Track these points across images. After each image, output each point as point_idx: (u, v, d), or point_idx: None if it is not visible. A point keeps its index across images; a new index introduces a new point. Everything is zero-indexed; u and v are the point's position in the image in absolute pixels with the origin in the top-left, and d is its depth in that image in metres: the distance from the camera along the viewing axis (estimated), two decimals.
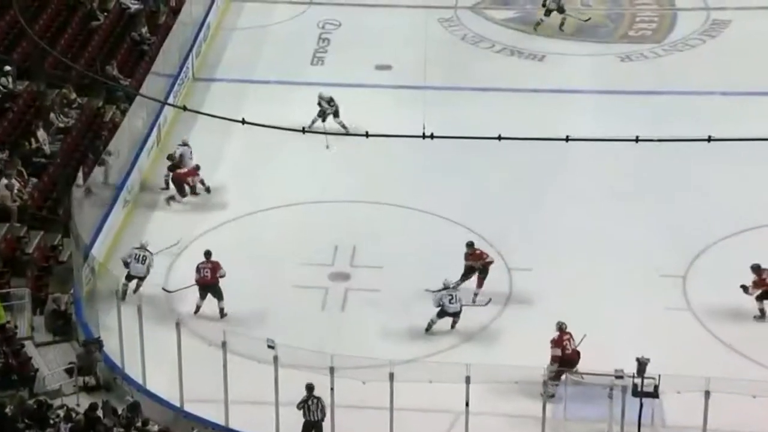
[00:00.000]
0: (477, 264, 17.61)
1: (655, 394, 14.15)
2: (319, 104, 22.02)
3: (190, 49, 24.11)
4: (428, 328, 16.82)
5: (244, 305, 17.49)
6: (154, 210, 20.13)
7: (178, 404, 15.35)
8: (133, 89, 21.25)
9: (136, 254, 17.57)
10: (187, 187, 20.28)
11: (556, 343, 15.38)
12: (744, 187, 20.00)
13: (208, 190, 20.47)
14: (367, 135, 15.39)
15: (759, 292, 16.78)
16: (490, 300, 17.30)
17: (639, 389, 13.96)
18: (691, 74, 24.02)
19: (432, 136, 14.86)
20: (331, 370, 14.45)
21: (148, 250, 17.70)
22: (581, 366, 15.32)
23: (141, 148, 20.69)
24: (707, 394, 13.60)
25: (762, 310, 16.86)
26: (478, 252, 17.71)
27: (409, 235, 19.33)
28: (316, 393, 14.72)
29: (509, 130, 15.12)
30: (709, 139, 14.18)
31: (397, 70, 24.38)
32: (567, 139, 14.83)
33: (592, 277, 17.91)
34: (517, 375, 14.02)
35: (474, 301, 17.30)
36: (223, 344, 14.65)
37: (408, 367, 14.77)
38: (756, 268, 16.83)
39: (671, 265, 18.07)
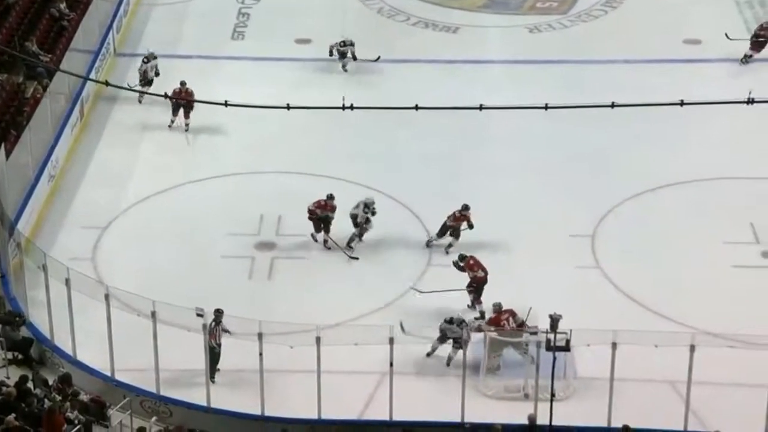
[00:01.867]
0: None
1: (566, 348, 14.27)
2: None
3: (111, 24, 23.51)
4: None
5: (173, 276, 17.25)
6: (79, 184, 19.68)
7: (108, 374, 15.10)
8: (54, 65, 20.65)
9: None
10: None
11: (493, 321, 15.36)
12: (644, 151, 20.29)
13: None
14: (288, 107, 15.20)
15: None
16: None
17: (552, 344, 14.14)
18: (595, 44, 24.27)
19: (352, 107, 14.76)
20: (260, 336, 14.36)
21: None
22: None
23: (64, 124, 20.18)
24: (614, 345, 13.82)
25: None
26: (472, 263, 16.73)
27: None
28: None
29: (427, 101, 15.09)
30: (612, 105, 14.33)
31: (317, 44, 24.15)
32: (480, 108, 14.85)
33: (506, 239, 18.04)
34: (438, 334, 14.06)
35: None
36: (153, 314, 14.43)
37: (334, 331, 14.75)
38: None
39: (580, 226, 18.31)
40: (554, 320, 14.68)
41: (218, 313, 15.03)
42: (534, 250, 17.83)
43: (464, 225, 17.81)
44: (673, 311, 16.31)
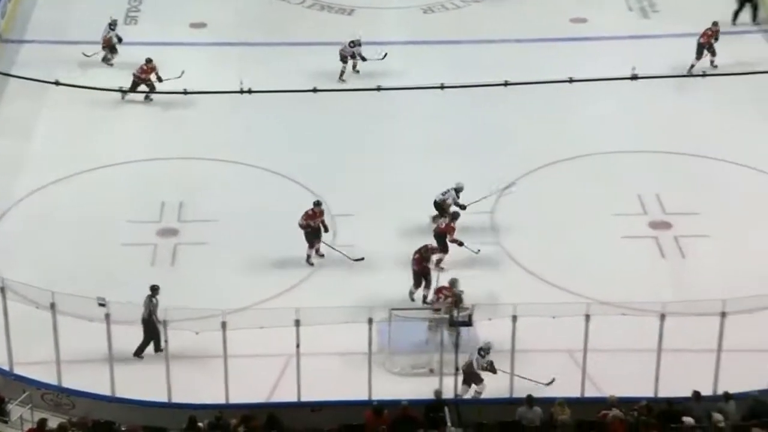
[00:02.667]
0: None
1: (469, 323, 14.48)
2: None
3: None
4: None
5: (73, 265, 16.72)
6: None
7: (7, 368, 14.52)
8: None
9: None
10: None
11: (440, 292, 15.36)
12: (537, 127, 20.48)
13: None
14: (185, 92, 14.86)
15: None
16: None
17: (455, 320, 14.22)
18: (488, 24, 24.39)
19: (250, 91, 14.48)
20: (164, 323, 14.03)
21: None
22: (403, 302, 15.46)
23: None
24: (514, 318, 13.97)
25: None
26: None
27: (235, 188, 18.92)
28: None
29: (324, 83, 14.95)
30: (506, 84, 14.44)
31: (212, 28, 23.64)
32: (378, 89, 14.79)
33: (409, 219, 18.05)
34: (344, 315, 13.98)
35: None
36: (52, 306, 13.93)
37: (240, 315, 14.51)
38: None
39: (480, 203, 18.40)
40: (457, 296, 14.82)
41: (155, 289, 14.89)
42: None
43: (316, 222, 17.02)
44: (569, 283, 16.55)
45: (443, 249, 16.77)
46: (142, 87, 20.60)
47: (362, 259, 16.82)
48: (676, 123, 20.59)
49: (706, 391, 13.89)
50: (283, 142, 20.23)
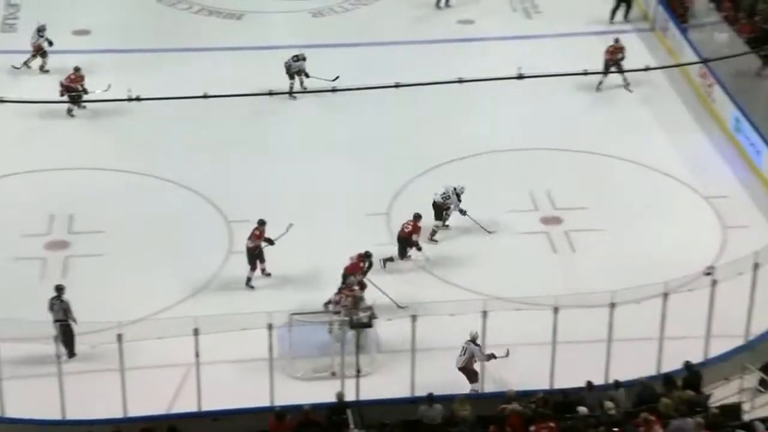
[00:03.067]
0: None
1: (369, 325, 14.59)
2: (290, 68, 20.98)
3: None
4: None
5: None
6: None
7: None
8: None
9: None
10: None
11: (342, 292, 15.43)
12: (431, 128, 20.80)
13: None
14: (75, 101, 14.56)
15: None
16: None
17: (355, 322, 14.35)
18: (378, 27, 24.63)
19: (138, 99, 14.31)
20: (55, 338, 13.74)
21: None
22: (303, 306, 15.53)
23: None
24: (414, 318, 14.15)
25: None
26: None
27: (126, 198, 18.69)
28: None
29: (215, 89, 14.85)
30: (396, 86, 14.59)
31: (97, 36, 23.21)
32: (270, 94, 14.81)
33: (305, 223, 18.08)
34: (243, 322, 13.95)
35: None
36: None
37: (136, 327, 14.32)
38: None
39: (375, 205, 18.60)
40: (356, 298, 14.95)
41: (60, 289, 14.74)
42: (333, 230, 17.96)
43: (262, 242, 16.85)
44: (466, 280, 16.89)
45: (402, 253, 16.87)
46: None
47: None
48: (564, 121, 21.25)
49: (599, 380, 14.37)
50: (174, 150, 20.02)
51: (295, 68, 21.18)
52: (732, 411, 13.88)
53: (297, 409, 13.64)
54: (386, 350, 15.35)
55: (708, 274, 14.74)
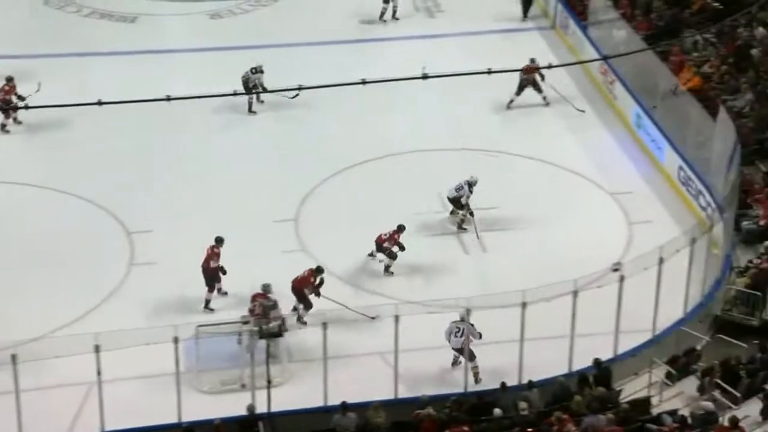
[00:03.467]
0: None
1: (279, 334, 14.43)
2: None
3: None
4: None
5: None
6: None
7: None
8: None
9: None
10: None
11: (255, 299, 15.17)
12: (336, 130, 20.63)
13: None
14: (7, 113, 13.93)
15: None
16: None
17: (265, 331, 14.14)
18: (279, 28, 24.38)
19: (27, 107, 13.81)
20: None
21: None
22: (211, 318, 15.24)
23: None
24: (325, 325, 14.03)
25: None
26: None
27: (25, 211, 18.16)
28: None
29: (110, 95, 14.42)
30: (300, 88, 14.45)
31: None
32: (168, 99, 14.44)
33: (210, 232, 17.79)
34: (147, 337, 13.59)
35: None
36: None
37: (33, 346, 13.82)
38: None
39: (283, 211, 18.39)
40: (266, 308, 14.74)
41: None
42: (239, 239, 17.53)
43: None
44: (377, 285, 16.83)
45: (390, 254, 16.86)
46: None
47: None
48: (469, 121, 21.38)
49: (513, 381, 14.49)
50: (69, 160, 19.46)
51: (252, 81, 20.39)
52: (641, 405, 14.19)
53: (206, 424, 13.38)
54: (298, 359, 15.18)
55: (615, 270, 15.01)
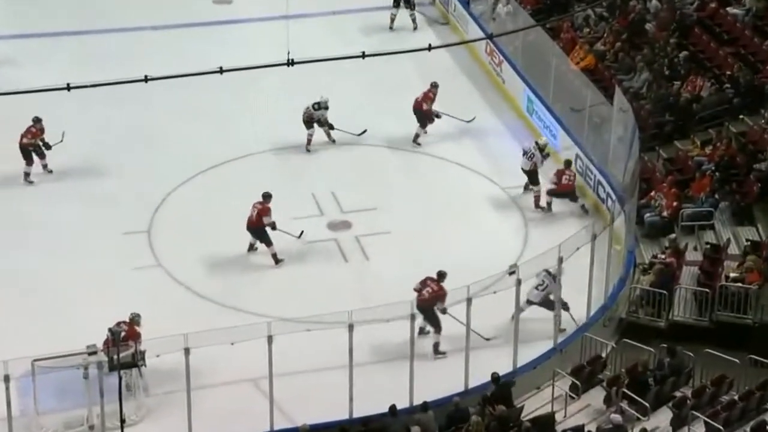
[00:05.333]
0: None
1: (134, 364, 13.98)
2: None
3: None
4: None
5: None
6: None
7: None
8: None
9: None
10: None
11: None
12: (189, 127, 20.18)
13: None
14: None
15: None
16: None
17: (115, 361, 13.58)
18: (116, 10, 23.72)
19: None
20: None
21: None
22: (53, 349, 14.52)
23: None
24: (187, 351, 13.67)
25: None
26: None
27: None
28: None
29: None
30: (146, 79, 13.93)
31: None
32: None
33: (45, 247, 17.22)
34: None
35: None
36: None
37: None
38: None
39: (133, 222, 17.93)
40: (115, 334, 14.14)
41: None
42: (83, 256, 17.11)
43: None
44: (246, 302, 16.45)
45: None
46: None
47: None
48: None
49: (404, 403, 14.32)
50: None
51: (316, 117, 19.82)
52: (545, 423, 14.28)
53: None
54: (156, 392, 14.74)
55: (512, 273, 15.06)
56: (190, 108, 20.56)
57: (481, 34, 22.08)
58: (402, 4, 23.55)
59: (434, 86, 20.23)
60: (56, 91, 13.87)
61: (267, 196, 17.20)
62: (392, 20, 23.61)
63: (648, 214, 18.21)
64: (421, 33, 22.88)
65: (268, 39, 21.62)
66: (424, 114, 20.31)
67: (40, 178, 18.87)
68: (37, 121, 18.83)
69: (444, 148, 20.29)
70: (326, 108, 19.88)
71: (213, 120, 20.58)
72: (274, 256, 17.18)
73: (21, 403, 13.79)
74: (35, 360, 13.75)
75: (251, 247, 17.38)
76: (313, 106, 19.87)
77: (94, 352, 14.06)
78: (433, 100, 20.38)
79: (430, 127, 20.60)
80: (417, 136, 20.42)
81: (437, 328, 15.55)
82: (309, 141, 19.99)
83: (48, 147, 18.92)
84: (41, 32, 22.57)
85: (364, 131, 20.19)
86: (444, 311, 15.34)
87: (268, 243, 17.19)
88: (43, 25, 22.79)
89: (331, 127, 20.00)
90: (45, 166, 19.02)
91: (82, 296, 16.26)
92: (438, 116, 20.34)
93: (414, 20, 23.65)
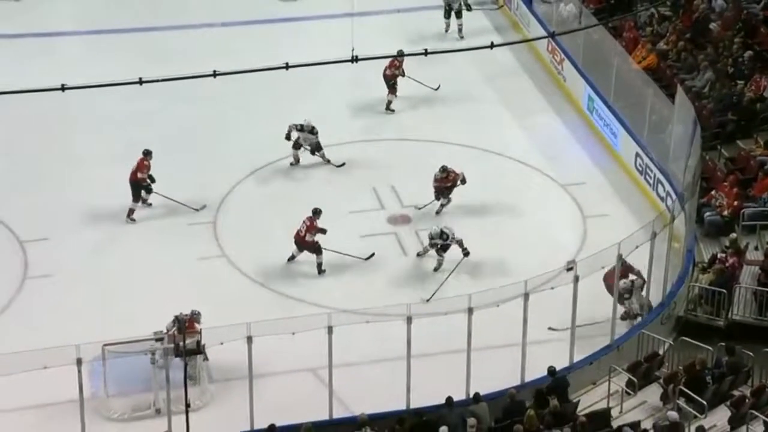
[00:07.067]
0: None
1: (198, 350, 14.24)
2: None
3: None
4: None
5: None
6: None
7: None
8: None
9: None
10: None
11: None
12: (253, 122, 20.46)
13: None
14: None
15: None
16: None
17: (181, 348, 13.96)
18: (187, 7, 24.13)
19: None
20: None
21: None
22: (116, 335, 15.00)
23: None
24: (249, 339, 13.91)
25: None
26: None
27: None
28: None
29: None
30: (215, 74, 14.26)
31: None
32: (63, 89, 14.14)
33: (115, 238, 17.65)
34: (43, 359, 13.31)
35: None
36: None
37: None
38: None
39: (200, 214, 18.25)
40: (181, 321, 14.55)
41: None
42: (149, 245, 17.49)
43: None
44: (306, 293, 16.73)
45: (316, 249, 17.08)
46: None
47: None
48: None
49: (460, 395, 14.48)
50: None
51: (302, 140, 19.42)
52: (601, 418, 14.29)
53: None
54: (219, 379, 15.06)
55: (569, 269, 15.14)
56: (255, 103, 20.83)
57: (543, 33, 22.20)
58: (453, 14, 23.47)
59: (400, 54, 19.83)
60: (127, 86, 14.30)
61: (316, 212, 17.05)
62: (447, 28, 23.56)
63: (708, 213, 18.18)
64: (485, 33, 22.99)
65: (331, 36, 21.99)
66: (387, 78, 20.94)
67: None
68: (147, 154, 18.13)
69: (503, 145, 20.41)
70: (311, 132, 19.37)
71: (277, 115, 20.84)
72: (320, 265, 17.10)
73: (92, 385, 14.16)
74: (105, 345, 14.18)
75: (292, 258, 17.29)
76: (296, 126, 19.50)
77: (161, 339, 14.48)
78: (397, 68, 20.83)
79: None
80: (389, 102, 21.04)
81: (318, 253, 16.94)
82: (296, 159, 19.62)
83: (152, 180, 18.07)
84: (111, 29, 22.97)
85: (343, 164, 19.68)
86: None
87: (318, 252, 17.08)
88: (113, 23, 23.18)
89: (319, 148, 19.48)
90: (144, 201, 18.22)
91: (149, 284, 16.63)
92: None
93: (460, 30, 23.47)
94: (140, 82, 13.85)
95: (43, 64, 20.89)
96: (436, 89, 21.25)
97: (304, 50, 20.69)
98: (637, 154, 19.45)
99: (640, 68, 20.57)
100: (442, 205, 18.48)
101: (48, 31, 22.60)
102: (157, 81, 13.94)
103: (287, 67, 14.32)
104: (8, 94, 13.74)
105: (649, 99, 19.25)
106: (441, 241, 17.05)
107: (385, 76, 21.04)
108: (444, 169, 18.29)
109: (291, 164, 19.60)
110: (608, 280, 15.88)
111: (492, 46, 15.79)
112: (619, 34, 21.99)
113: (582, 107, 21.38)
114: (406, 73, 21.03)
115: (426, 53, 17.60)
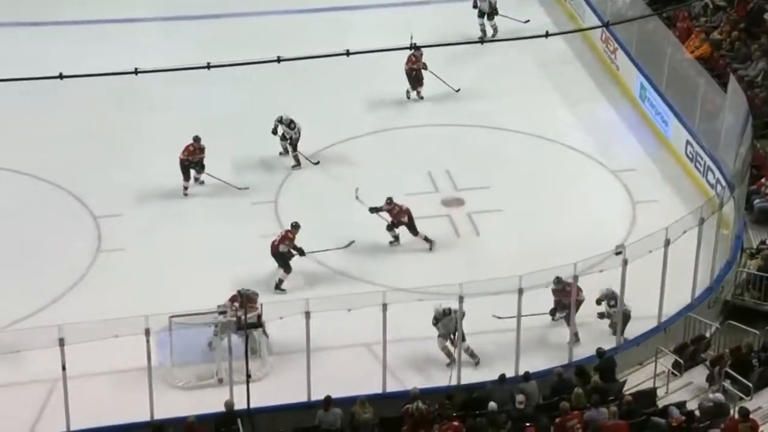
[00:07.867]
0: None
1: (258, 324, 14.56)
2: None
3: None
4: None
5: None
6: None
7: None
8: None
9: None
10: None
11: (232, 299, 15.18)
12: (313, 105, 20.60)
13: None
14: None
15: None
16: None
17: (243, 322, 14.32)
18: None
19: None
20: None
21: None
22: (181, 307, 15.41)
23: None
24: (307, 314, 14.17)
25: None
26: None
27: None
28: None
29: (73, 69, 14.45)
30: (279, 60, 14.52)
31: None
32: (136, 72, 14.51)
33: (177, 216, 18.00)
34: (116, 328, 13.75)
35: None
36: None
37: None
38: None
39: (262, 193, 18.57)
40: (242, 296, 14.89)
41: None
42: (215, 222, 17.85)
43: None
44: (362, 270, 17.00)
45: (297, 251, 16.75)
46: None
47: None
48: (458, 93, 21.52)
49: (509, 372, 14.66)
50: (25, 139, 19.52)
51: (281, 132, 19.31)
52: (647, 397, 14.38)
53: (180, 422, 13.52)
54: (278, 352, 15.35)
55: (618, 253, 15.22)
56: (314, 88, 21.04)
57: (597, 22, 22.18)
58: (486, 16, 23.13)
59: (417, 48, 19.53)
60: (195, 70, 14.61)
61: (295, 226, 16.84)
62: (482, 30, 23.06)
63: (758, 200, 18.15)
64: (535, 19, 23.00)
65: (388, 24, 22.23)
66: (407, 73, 20.94)
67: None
68: (196, 140, 18.50)
69: (556, 132, 20.47)
70: (289, 126, 19.10)
71: (337, 99, 21.04)
72: (280, 282, 16.66)
73: (159, 355, 14.53)
74: (172, 316, 14.56)
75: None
76: (279, 120, 19.25)
77: (224, 312, 14.82)
78: (414, 63, 20.80)
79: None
80: (408, 92, 21.12)
81: (286, 269, 16.44)
82: (285, 149, 19.48)
83: (202, 168, 18.50)
84: (185, 15, 23.32)
85: (317, 162, 19.44)
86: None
87: (286, 269, 16.66)
88: (185, 9, 23.54)
89: (294, 149, 19.21)
90: (197, 179, 18.65)
91: (214, 259, 16.93)
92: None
93: (495, 28, 23.11)
94: (208, 66, 14.18)
95: (119, 49, 21.24)
96: (457, 91, 21.22)
97: (366, 38, 20.93)
98: (687, 142, 19.43)
99: (692, 58, 20.49)
100: (395, 237, 17.58)
101: (125, 18, 22.98)
102: (224, 66, 14.24)
103: (348, 54, 14.53)
104: (88, 77, 14.08)
105: (701, 88, 19.20)
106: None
107: (406, 71, 21.00)
108: (389, 201, 17.43)
109: (280, 153, 19.52)
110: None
111: (547, 35, 15.88)
112: (673, 24, 21.90)
113: (634, 96, 21.37)
114: (428, 67, 20.88)
115: (482, 41, 17.77)
